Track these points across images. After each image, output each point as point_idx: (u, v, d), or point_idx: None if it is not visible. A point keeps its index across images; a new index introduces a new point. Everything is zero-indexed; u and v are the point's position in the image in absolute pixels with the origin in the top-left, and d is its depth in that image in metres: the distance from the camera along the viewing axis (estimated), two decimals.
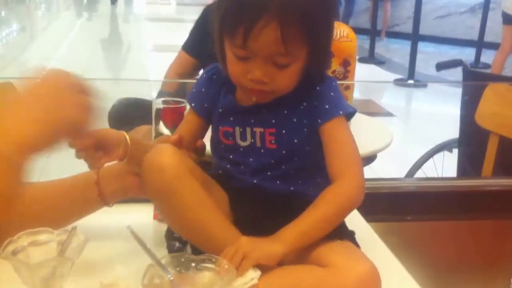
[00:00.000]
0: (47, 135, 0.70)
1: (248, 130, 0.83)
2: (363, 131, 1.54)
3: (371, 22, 6.44)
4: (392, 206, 1.23)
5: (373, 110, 4.32)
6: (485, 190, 1.30)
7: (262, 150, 0.83)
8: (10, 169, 0.67)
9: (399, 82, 5.42)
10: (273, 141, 0.82)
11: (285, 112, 0.82)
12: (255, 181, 0.83)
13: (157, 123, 1.09)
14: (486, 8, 6.22)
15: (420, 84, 5.24)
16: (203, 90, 0.88)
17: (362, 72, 5.85)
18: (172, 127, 1.08)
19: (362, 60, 6.30)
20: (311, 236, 0.76)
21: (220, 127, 0.86)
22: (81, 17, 9.55)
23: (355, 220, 1.05)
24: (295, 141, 0.82)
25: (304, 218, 0.77)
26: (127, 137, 0.81)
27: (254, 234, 0.77)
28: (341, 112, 0.81)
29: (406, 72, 5.51)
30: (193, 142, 0.89)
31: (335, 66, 1.38)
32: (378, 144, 1.46)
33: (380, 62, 6.30)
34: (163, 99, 1.11)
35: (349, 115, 0.83)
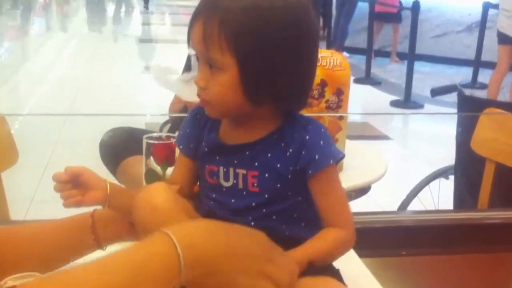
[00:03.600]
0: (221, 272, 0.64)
1: (231, 170, 0.84)
2: (358, 161, 1.55)
3: (368, 42, 6.49)
4: (386, 240, 1.24)
5: (370, 133, 4.34)
6: (482, 223, 1.31)
7: (245, 192, 0.83)
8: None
9: (396, 107, 5.45)
10: (255, 184, 0.83)
11: (269, 155, 0.83)
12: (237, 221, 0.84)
13: (147, 158, 1.10)
14: (482, 27, 6.28)
15: (417, 106, 5.27)
16: (188, 131, 0.89)
17: (358, 93, 5.92)
18: (163, 163, 1.09)
19: (358, 81, 6.34)
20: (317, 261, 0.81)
21: (206, 166, 0.86)
22: (73, 38, 9.59)
23: (347, 256, 1.05)
24: (278, 186, 0.82)
25: (309, 247, 0.81)
26: (108, 186, 0.82)
27: None
28: (331, 161, 0.82)
29: (402, 92, 5.54)
30: (189, 186, 0.90)
31: (328, 95, 1.39)
32: (373, 175, 1.48)
33: (376, 83, 6.34)
34: (155, 134, 1.12)
35: (339, 160, 0.84)
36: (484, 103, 1.99)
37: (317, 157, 0.81)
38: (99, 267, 0.57)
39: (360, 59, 6.99)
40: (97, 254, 0.91)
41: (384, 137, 4.44)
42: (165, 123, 2.18)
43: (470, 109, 2.07)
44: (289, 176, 0.82)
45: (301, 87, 0.83)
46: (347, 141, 1.52)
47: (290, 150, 0.82)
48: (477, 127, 1.88)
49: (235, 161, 0.84)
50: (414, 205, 2.16)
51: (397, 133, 4.85)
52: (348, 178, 1.46)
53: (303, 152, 0.81)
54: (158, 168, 1.08)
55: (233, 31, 0.76)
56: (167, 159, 1.06)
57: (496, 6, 6.31)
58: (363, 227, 1.22)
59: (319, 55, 1.35)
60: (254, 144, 0.83)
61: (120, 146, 1.99)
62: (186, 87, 1.55)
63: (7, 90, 5.40)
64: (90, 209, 0.91)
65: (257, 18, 0.76)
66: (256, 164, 0.83)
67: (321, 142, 0.82)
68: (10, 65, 6.62)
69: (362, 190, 1.51)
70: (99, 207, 0.90)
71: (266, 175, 0.82)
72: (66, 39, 9.14)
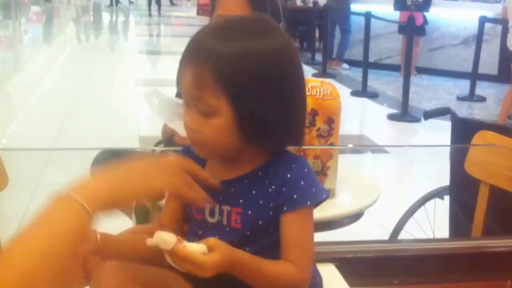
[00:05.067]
0: (122, 196, 0.77)
1: (217, 207, 0.86)
2: (350, 185, 1.57)
3: (364, 54, 6.52)
4: (377, 270, 1.25)
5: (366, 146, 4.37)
6: (477, 252, 1.32)
7: (228, 229, 0.86)
8: (77, 213, 0.72)
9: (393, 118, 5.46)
10: (238, 221, 0.85)
11: (253, 192, 0.85)
12: None
13: None
14: (479, 40, 6.33)
15: (414, 119, 5.28)
16: None
17: (355, 106, 5.93)
18: None
19: (355, 93, 6.37)
20: (246, 275, 0.81)
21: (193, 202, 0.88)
22: (65, 50, 9.62)
23: (337, 286, 1.06)
24: (260, 222, 0.85)
25: (253, 259, 0.82)
26: (98, 236, 0.84)
27: None
28: (308, 203, 0.84)
29: (399, 105, 5.56)
30: (179, 225, 0.91)
31: (319, 124, 1.41)
32: (365, 201, 1.49)
33: (373, 96, 6.37)
34: None
35: (319, 202, 0.86)
36: (477, 125, 2.01)
37: (295, 196, 0.84)
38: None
39: (357, 72, 7.03)
40: None
41: (380, 151, 4.46)
42: (158, 142, 2.19)
43: (463, 131, 2.09)
44: (271, 213, 0.85)
45: (292, 124, 0.86)
46: (341, 156, 1.51)
47: (273, 187, 0.85)
48: (471, 149, 1.90)
49: (221, 198, 0.86)
50: (409, 226, 2.17)
51: (394, 146, 4.87)
52: (340, 204, 1.47)
53: (284, 189, 0.84)
54: (147, 205, 1.10)
55: (226, 77, 0.79)
56: None
57: (491, 20, 6.38)
58: (354, 257, 1.23)
59: (309, 85, 1.38)
60: (239, 180, 0.86)
61: None
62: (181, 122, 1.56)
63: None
64: None
65: (248, 62, 0.80)
66: (241, 200, 0.85)
67: (302, 182, 0.84)
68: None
69: (355, 216, 1.52)
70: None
71: (249, 212, 0.85)
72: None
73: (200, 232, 0.88)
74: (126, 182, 0.78)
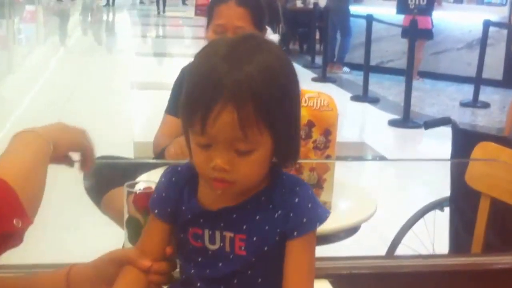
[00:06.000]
0: (65, 143, 0.98)
1: (218, 233, 0.86)
2: (346, 199, 1.57)
3: (365, 58, 6.54)
4: (373, 286, 1.25)
5: (366, 154, 4.37)
6: (477, 270, 1.32)
7: (231, 256, 0.85)
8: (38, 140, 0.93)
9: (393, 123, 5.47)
10: (243, 248, 0.85)
11: (257, 218, 0.85)
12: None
13: (129, 206, 1.13)
14: (483, 44, 6.33)
15: (416, 125, 5.28)
16: (163, 195, 0.91)
17: (355, 111, 5.93)
18: (144, 211, 1.11)
19: (355, 98, 6.38)
20: None
21: (190, 228, 0.88)
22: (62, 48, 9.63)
23: None
24: (265, 249, 0.84)
25: None
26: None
27: None
28: (317, 225, 0.85)
29: (401, 111, 5.56)
30: (161, 249, 0.91)
31: (316, 135, 1.42)
32: (362, 215, 1.50)
33: (374, 101, 6.37)
34: (136, 181, 1.15)
35: (323, 222, 0.87)
36: (478, 136, 2.02)
37: (305, 220, 0.84)
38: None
39: (358, 75, 7.04)
40: None
41: (381, 158, 4.47)
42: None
43: (464, 142, 2.10)
44: (277, 238, 0.84)
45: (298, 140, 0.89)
46: (338, 164, 1.52)
47: (279, 212, 0.84)
48: (471, 161, 1.90)
49: (222, 224, 0.86)
50: (408, 238, 2.18)
51: (395, 154, 4.87)
52: (336, 218, 1.48)
53: (291, 214, 0.84)
54: (139, 216, 1.10)
55: (267, 108, 0.79)
56: (147, 208, 1.08)
57: (496, 24, 6.38)
58: (350, 273, 1.24)
59: (306, 96, 1.39)
60: (242, 206, 0.85)
61: (104, 178, 2.00)
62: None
63: None
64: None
65: (276, 82, 0.80)
66: (244, 227, 0.85)
67: (309, 205, 0.85)
68: None
69: (351, 230, 1.53)
70: (77, 264, 0.93)
71: (254, 238, 0.84)
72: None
73: (199, 259, 0.87)
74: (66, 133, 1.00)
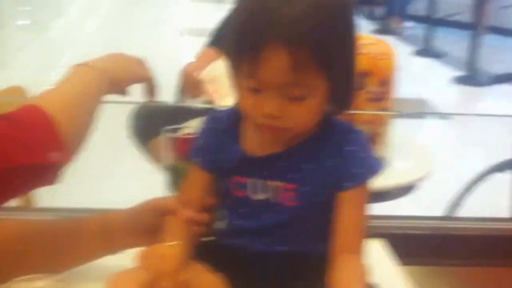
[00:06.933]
0: (125, 77, 0.99)
1: (261, 182, 0.82)
2: (402, 156, 1.51)
3: (429, 9, 6.27)
4: (428, 248, 1.21)
5: (425, 112, 4.25)
6: None
7: (278, 207, 0.82)
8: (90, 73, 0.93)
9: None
10: (290, 198, 0.81)
11: (307, 166, 0.80)
12: (259, 248, 0.83)
13: (169, 153, 1.10)
14: None
15: (483, 83, 5.08)
16: (204, 142, 0.88)
17: (417, 66, 5.75)
18: (184, 159, 1.08)
19: (418, 53, 6.18)
20: None
21: (232, 177, 0.84)
22: None
23: (385, 262, 1.03)
24: (314, 199, 0.81)
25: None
26: None
27: None
28: (370, 177, 0.80)
29: (466, 67, 5.36)
30: (203, 202, 0.88)
31: (371, 85, 1.35)
32: (418, 173, 1.44)
33: (437, 56, 6.16)
34: (175, 126, 1.12)
35: (377, 174, 0.82)
36: None
37: (356, 171, 0.80)
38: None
39: (421, 29, 6.80)
40: (108, 260, 0.91)
41: (441, 117, 4.33)
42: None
43: None
44: (328, 189, 0.80)
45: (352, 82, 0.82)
46: (395, 121, 1.45)
47: (329, 161, 0.80)
48: None
49: (266, 173, 0.82)
50: (469, 202, 2.11)
51: (458, 112, 4.72)
52: (392, 175, 1.42)
53: (342, 164, 0.80)
54: (179, 163, 1.08)
55: (324, 49, 0.73)
56: (188, 155, 1.05)
57: None
58: (404, 233, 1.20)
59: (361, 42, 1.31)
60: (288, 153, 0.81)
61: (154, 121, 1.98)
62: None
63: None
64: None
65: (335, 27, 0.75)
66: (292, 176, 0.81)
67: (362, 154, 0.80)
68: None
69: (407, 189, 1.47)
70: (114, 211, 0.92)
71: (303, 188, 0.81)
72: None
73: (241, 210, 0.84)
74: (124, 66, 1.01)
